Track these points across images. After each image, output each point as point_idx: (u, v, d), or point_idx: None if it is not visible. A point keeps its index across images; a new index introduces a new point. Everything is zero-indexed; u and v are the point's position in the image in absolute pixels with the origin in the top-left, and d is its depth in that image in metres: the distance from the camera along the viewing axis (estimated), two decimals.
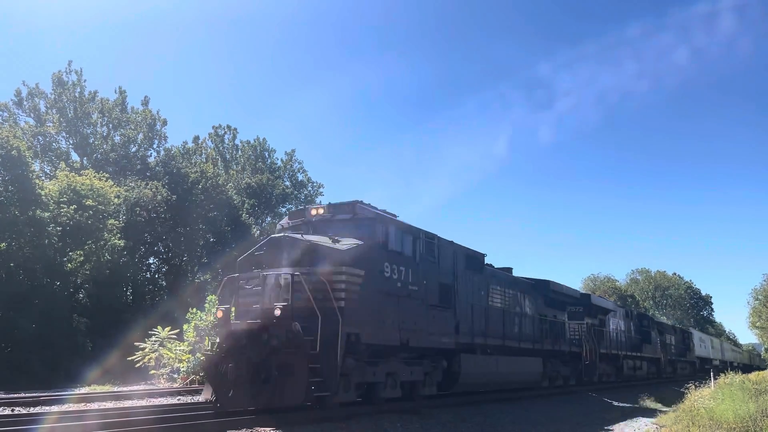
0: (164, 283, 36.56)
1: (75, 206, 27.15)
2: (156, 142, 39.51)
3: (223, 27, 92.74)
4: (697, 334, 52.89)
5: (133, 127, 38.26)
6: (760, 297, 73.74)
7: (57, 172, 31.45)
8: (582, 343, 22.84)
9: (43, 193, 26.64)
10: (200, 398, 12.08)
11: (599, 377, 25.10)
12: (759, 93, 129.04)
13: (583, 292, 27.54)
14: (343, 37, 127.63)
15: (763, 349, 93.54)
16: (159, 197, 33.24)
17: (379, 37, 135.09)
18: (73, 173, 29.93)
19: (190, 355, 18.66)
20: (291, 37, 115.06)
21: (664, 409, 18.93)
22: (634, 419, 16.42)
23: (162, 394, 14.96)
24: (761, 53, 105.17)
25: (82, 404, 12.84)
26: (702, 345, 52.55)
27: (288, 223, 12.85)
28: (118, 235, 29.98)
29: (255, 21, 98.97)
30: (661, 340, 37.06)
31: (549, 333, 20.32)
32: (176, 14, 77.17)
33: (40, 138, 35.68)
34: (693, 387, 16.70)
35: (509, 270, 19.91)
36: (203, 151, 43.45)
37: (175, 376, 18.99)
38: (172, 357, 19.38)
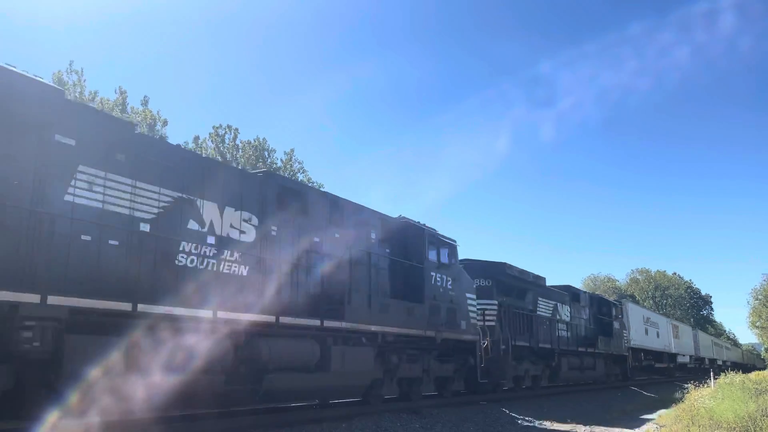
0: None
1: None
2: None
3: (223, 26, 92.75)
4: (637, 311, 33.63)
5: None
6: (759, 297, 73.86)
7: None
8: None
9: None
10: None
11: None
12: (760, 91, 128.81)
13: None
14: (342, 35, 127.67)
15: (762, 348, 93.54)
16: None
17: (379, 35, 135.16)
18: None
19: None
20: (292, 36, 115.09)
21: None
22: None
23: None
24: (762, 51, 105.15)
25: None
26: (650, 330, 34.23)
27: None
28: None
29: (255, 20, 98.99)
30: (502, 306, 17.33)
31: None
32: (176, 14, 77.17)
33: None
34: (693, 387, 16.73)
35: None
36: (204, 151, 43.46)
37: None
38: None
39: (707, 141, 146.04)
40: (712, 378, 20.62)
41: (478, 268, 17.19)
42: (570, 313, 23.00)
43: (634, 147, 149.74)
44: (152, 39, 71.60)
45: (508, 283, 18.37)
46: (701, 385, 16.96)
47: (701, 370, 48.12)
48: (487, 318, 16.20)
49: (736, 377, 20.22)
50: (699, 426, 11.08)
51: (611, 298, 33.29)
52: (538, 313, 20.04)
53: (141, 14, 64.13)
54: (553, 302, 21.54)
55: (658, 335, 36.13)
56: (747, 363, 75.31)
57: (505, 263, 18.29)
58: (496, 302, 17.15)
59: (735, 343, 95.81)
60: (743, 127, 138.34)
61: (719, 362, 57.62)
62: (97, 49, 60.61)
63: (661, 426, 13.62)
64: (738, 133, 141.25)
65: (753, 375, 32.00)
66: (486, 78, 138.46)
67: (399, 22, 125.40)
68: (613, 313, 27.48)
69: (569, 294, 23.63)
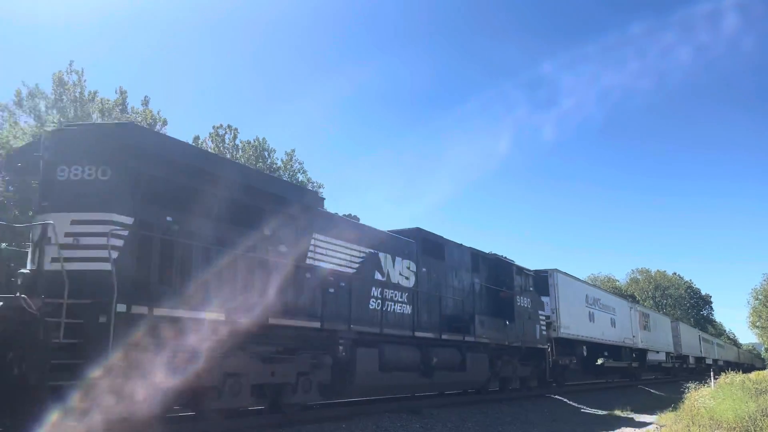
0: None
1: None
2: None
3: (223, 27, 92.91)
4: (574, 287, 23.56)
5: None
6: (760, 297, 73.90)
7: None
8: None
9: None
10: None
11: None
12: (762, 92, 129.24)
13: None
14: (343, 37, 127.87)
15: (763, 348, 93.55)
16: None
17: (380, 36, 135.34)
18: None
19: None
20: (293, 37, 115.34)
21: None
22: None
23: None
24: (764, 51, 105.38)
25: None
26: (597, 315, 25.13)
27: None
28: None
29: (256, 21, 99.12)
30: (144, 226, 7.62)
31: None
32: (176, 15, 77.30)
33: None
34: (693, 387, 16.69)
35: None
36: None
37: None
38: None
39: (708, 142, 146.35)
40: (712, 378, 20.64)
41: (81, 140, 7.90)
42: (417, 273, 13.64)
43: (635, 148, 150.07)
44: (152, 39, 71.68)
45: (178, 183, 8.28)
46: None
47: (683, 370, 41.70)
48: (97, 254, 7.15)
49: (736, 377, 20.25)
50: (699, 426, 11.08)
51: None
52: (309, 262, 10.49)
53: (140, 14, 64.22)
54: (370, 250, 12.11)
55: (613, 323, 26.87)
56: (744, 363, 72.87)
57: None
58: (127, 219, 7.56)
59: (735, 343, 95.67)
60: (744, 128, 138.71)
61: (708, 361, 49.55)
62: (97, 49, 60.66)
63: (661, 426, 13.62)
64: (739, 133, 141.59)
65: (753, 375, 32.00)
66: (487, 80, 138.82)
67: (400, 24, 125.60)
68: (518, 283, 17.90)
69: (419, 242, 13.95)
